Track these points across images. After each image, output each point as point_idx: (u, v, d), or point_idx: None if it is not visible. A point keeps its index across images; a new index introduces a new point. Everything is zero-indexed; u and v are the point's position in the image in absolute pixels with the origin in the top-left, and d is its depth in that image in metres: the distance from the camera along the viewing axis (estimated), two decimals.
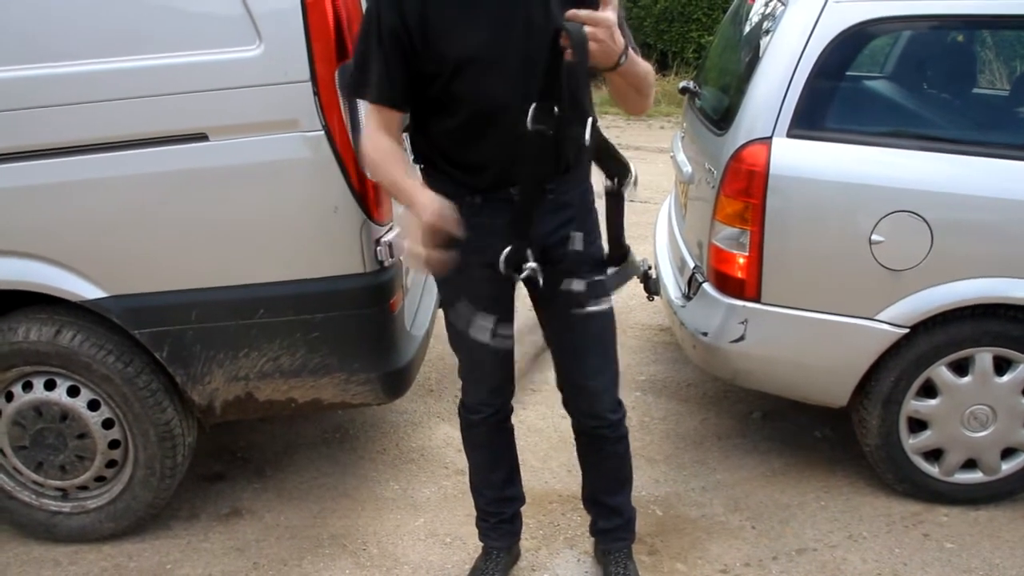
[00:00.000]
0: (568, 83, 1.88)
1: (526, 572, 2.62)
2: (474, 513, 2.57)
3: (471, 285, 2.11)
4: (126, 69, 2.28)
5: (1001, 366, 2.77)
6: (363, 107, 1.99)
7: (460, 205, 1.89)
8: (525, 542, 2.71)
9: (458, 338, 2.24)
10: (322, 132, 2.32)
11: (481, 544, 2.58)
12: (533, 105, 1.88)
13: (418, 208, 1.82)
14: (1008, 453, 2.88)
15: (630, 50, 1.84)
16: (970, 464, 2.90)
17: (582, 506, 2.62)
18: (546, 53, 1.83)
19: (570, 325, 2.20)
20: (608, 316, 2.23)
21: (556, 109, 1.89)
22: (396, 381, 2.65)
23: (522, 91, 1.89)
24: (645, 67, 1.94)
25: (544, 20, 1.88)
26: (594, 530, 2.59)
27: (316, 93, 2.30)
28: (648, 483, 3.05)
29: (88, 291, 2.45)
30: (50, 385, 2.60)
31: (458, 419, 2.47)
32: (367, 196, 2.40)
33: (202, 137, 2.32)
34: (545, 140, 1.92)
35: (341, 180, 2.36)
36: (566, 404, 2.40)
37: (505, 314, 2.16)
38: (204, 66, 2.28)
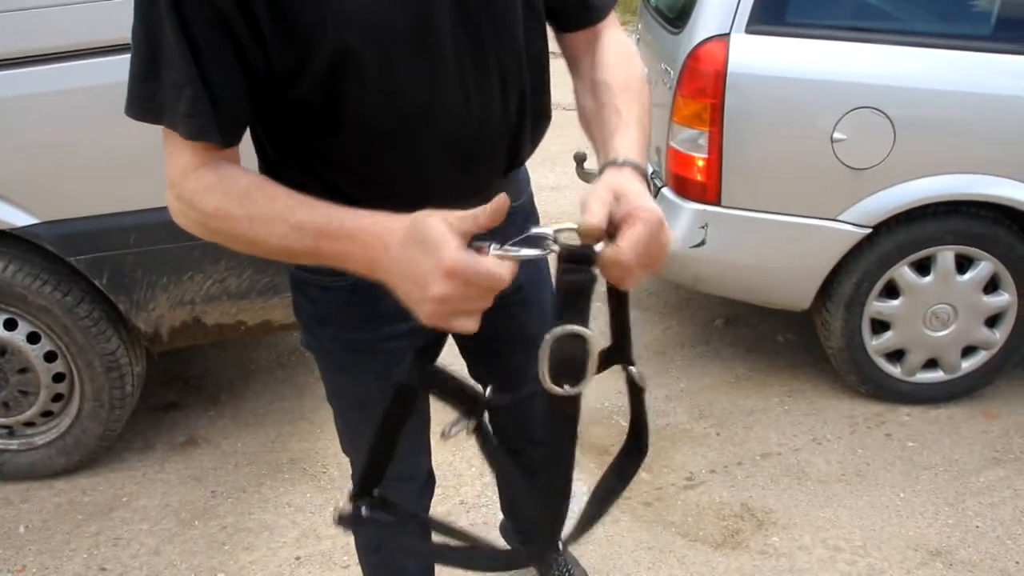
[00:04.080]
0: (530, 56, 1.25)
1: (491, 488, 2.60)
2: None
3: (385, 369, 1.39)
4: None
5: (962, 264, 2.75)
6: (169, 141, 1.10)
7: None
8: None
9: (365, 437, 1.37)
10: None
11: None
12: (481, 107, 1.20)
13: (420, 233, 0.93)
14: (968, 351, 2.89)
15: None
16: (931, 364, 2.90)
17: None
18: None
19: (526, 370, 1.32)
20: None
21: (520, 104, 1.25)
22: None
23: (457, 82, 1.17)
24: (645, 132, 1.20)
25: None
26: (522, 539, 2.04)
27: None
28: (610, 393, 3.02)
29: (18, 218, 2.32)
30: None
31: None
32: None
33: (129, 48, 2.16)
34: (498, 138, 1.27)
35: None
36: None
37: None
38: None
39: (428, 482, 1.71)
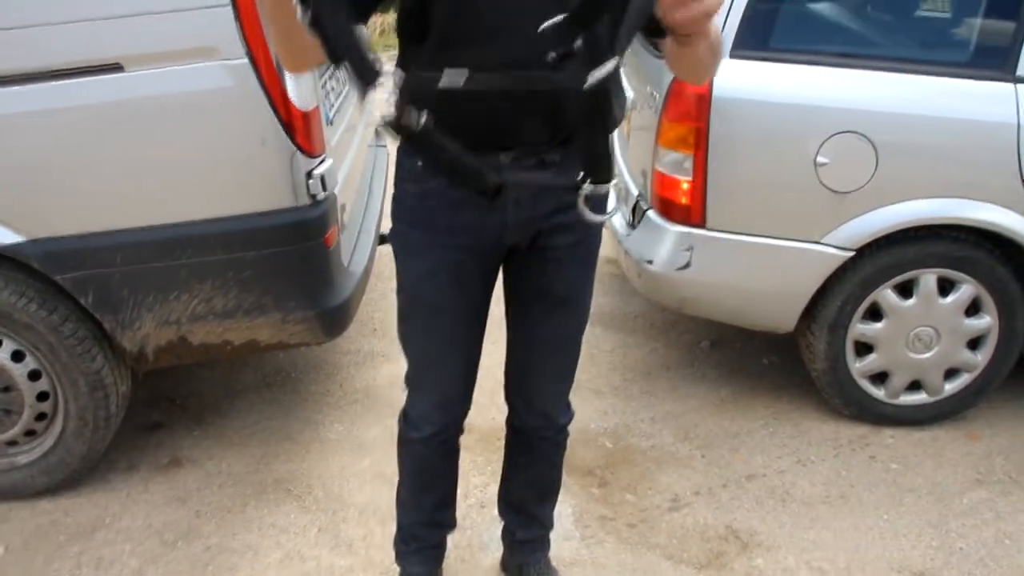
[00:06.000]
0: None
1: (475, 510, 2.59)
2: None
3: (446, 274, 1.75)
4: None
5: (945, 287, 2.77)
6: None
7: (432, 174, 1.62)
8: (474, 478, 2.68)
9: (412, 331, 1.88)
10: (245, 59, 2.20)
11: (398, 568, 2.22)
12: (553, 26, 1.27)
13: None
14: (951, 373, 2.91)
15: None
16: (914, 386, 2.92)
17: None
18: None
19: (544, 320, 1.91)
20: (586, 313, 1.97)
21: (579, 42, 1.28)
22: (334, 319, 2.57)
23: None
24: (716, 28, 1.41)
25: None
26: (510, 541, 2.30)
27: (237, 18, 2.17)
28: (596, 415, 3.03)
29: (4, 236, 2.31)
30: None
31: (396, 425, 2.05)
32: (296, 126, 2.29)
33: (117, 68, 2.18)
34: (538, 99, 1.50)
35: (268, 110, 2.25)
36: (511, 397, 2.07)
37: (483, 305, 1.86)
38: None
39: (460, 398, 1.97)
